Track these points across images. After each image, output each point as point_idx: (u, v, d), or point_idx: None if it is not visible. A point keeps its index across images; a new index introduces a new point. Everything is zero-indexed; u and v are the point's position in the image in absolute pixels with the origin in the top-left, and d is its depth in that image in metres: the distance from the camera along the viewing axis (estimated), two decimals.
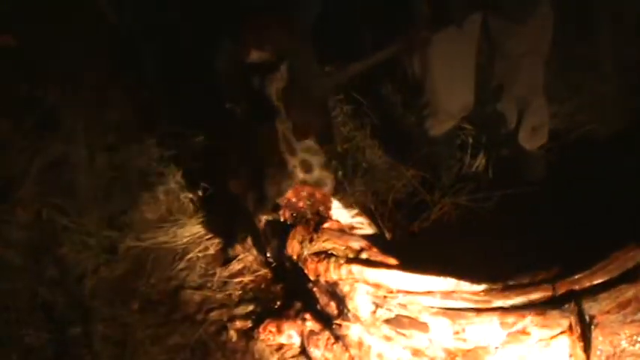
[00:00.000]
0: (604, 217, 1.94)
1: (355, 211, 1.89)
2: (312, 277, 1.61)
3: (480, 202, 2.18)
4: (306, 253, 1.63)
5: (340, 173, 2.34)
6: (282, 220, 1.76)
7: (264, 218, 1.81)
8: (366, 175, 2.41)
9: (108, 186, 2.19)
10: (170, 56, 2.34)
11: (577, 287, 1.40)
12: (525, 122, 2.23)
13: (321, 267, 1.58)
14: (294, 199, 1.77)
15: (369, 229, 1.86)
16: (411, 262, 1.62)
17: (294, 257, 1.66)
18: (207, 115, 2.29)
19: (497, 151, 2.39)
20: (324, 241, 1.65)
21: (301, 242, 1.66)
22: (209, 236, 2.16)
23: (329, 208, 1.79)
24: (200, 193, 2.23)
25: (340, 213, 1.81)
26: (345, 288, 1.54)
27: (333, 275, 1.56)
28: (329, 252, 1.62)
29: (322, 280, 1.59)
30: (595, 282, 1.41)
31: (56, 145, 2.15)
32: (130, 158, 2.27)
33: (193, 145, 2.29)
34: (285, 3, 1.92)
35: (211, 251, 2.11)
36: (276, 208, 1.77)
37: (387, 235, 2.05)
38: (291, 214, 1.76)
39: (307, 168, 1.81)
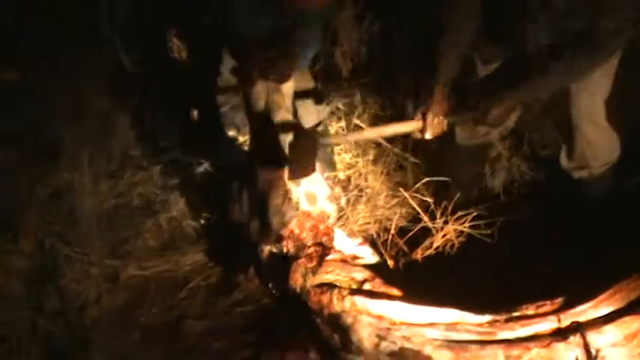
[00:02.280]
0: (609, 244, 1.94)
1: (358, 240, 1.89)
2: (315, 309, 1.60)
3: (483, 229, 2.17)
4: (309, 285, 1.63)
5: (343, 200, 2.35)
6: (284, 251, 1.76)
7: (266, 249, 1.80)
8: (369, 202, 2.41)
9: (111, 214, 2.19)
10: (173, 87, 2.36)
11: (582, 319, 1.40)
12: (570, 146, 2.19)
13: (325, 299, 1.58)
14: (297, 231, 1.77)
15: (372, 259, 1.86)
16: (414, 293, 1.61)
17: (297, 289, 1.66)
18: (210, 144, 2.30)
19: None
20: (327, 273, 1.64)
21: (304, 274, 1.65)
22: (211, 264, 2.15)
23: (332, 239, 1.79)
24: (202, 221, 2.23)
25: (343, 243, 1.81)
26: (348, 320, 1.53)
27: (336, 307, 1.55)
28: (332, 283, 1.62)
29: (325, 311, 1.58)
30: (600, 314, 1.40)
31: (59, 174, 2.15)
32: (134, 186, 2.27)
33: (196, 173, 2.30)
34: (286, 39, 1.94)
35: (213, 280, 2.10)
36: (279, 239, 1.77)
37: (391, 264, 2.04)
38: (294, 245, 1.76)
39: (312, 200, 1.82)
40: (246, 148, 2.31)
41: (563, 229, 2.11)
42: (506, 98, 1.90)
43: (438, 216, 2.24)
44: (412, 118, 1.96)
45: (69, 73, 2.29)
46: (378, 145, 2.58)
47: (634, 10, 1.68)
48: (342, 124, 2.64)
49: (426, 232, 2.23)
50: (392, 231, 2.24)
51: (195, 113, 2.53)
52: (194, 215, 2.27)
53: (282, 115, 1.90)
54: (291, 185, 1.80)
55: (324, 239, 1.80)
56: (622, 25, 1.70)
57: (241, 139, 2.50)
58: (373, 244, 2.02)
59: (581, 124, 2.13)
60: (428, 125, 1.92)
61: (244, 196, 1.94)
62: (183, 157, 2.24)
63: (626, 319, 1.35)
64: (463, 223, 2.20)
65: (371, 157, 2.55)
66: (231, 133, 2.52)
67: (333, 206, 1.87)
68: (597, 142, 2.16)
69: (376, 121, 2.62)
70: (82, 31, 2.26)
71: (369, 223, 2.30)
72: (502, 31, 1.92)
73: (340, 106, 2.68)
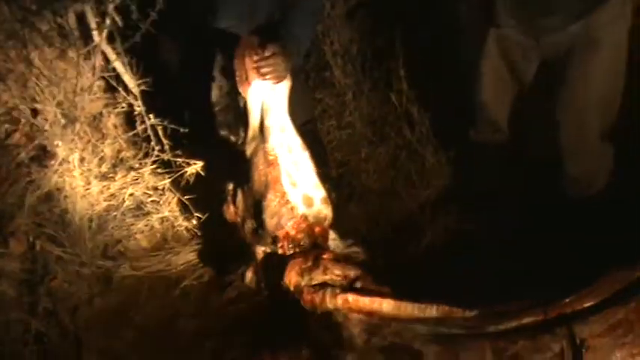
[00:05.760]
0: (594, 238, 1.95)
1: (351, 240, 1.90)
2: (308, 308, 1.62)
3: (473, 223, 2.18)
4: (303, 284, 1.64)
5: (335, 198, 2.36)
6: (279, 252, 1.77)
7: (261, 250, 1.81)
8: (361, 200, 2.42)
9: (102, 215, 2.19)
10: (165, 87, 2.36)
11: (568, 310, 1.41)
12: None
13: (317, 297, 1.60)
14: (293, 233, 1.78)
15: (364, 256, 1.87)
16: (404, 289, 1.63)
17: (291, 288, 1.67)
18: (203, 144, 2.30)
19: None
20: (320, 273, 1.65)
21: (299, 274, 1.67)
22: (204, 263, 2.16)
23: (326, 239, 1.80)
24: (195, 221, 2.24)
25: (336, 243, 1.83)
26: (339, 317, 1.54)
27: (328, 305, 1.57)
28: (325, 282, 1.63)
29: (318, 310, 1.59)
30: (585, 305, 1.42)
31: (50, 176, 2.15)
32: (125, 187, 2.28)
33: (189, 173, 2.30)
34: (277, 37, 1.94)
35: (206, 279, 2.11)
36: (275, 240, 1.78)
37: (382, 262, 2.05)
38: (290, 246, 1.77)
39: (308, 203, 1.83)
40: (239, 147, 2.31)
41: (550, 222, 2.12)
42: None
43: (428, 213, 2.26)
44: None
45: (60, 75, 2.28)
46: (370, 143, 2.60)
47: None
48: (333, 122, 2.65)
49: (418, 229, 2.25)
50: (384, 228, 2.26)
51: (187, 113, 2.54)
52: (187, 216, 2.28)
53: (278, 115, 1.91)
54: (288, 188, 1.81)
55: (318, 240, 1.82)
56: None
57: (233, 138, 2.51)
58: (365, 242, 2.03)
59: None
60: None
61: (239, 197, 1.94)
62: (175, 157, 2.24)
63: (611, 309, 1.36)
64: (453, 219, 2.23)
65: (363, 155, 2.57)
66: (224, 132, 2.52)
67: (329, 208, 1.87)
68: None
69: (369, 119, 2.63)
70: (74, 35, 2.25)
71: (361, 221, 2.31)
72: None
73: (331, 103, 2.69)
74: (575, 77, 1.96)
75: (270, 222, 1.82)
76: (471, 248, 2.10)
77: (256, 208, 1.87)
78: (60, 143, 2.12)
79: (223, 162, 2.23)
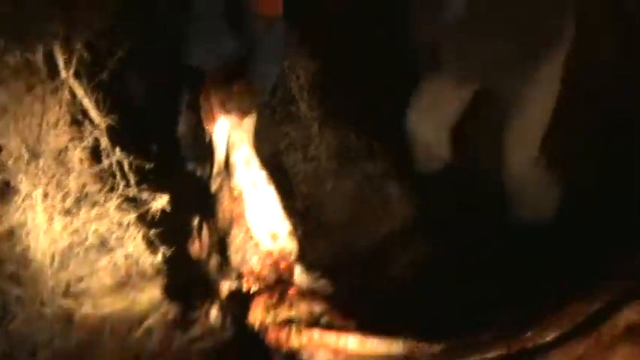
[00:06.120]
0: (555, 261, 1.99)
1: (317, 273, 1.90)
2: (273, 346, 1.61)
3: (437, 252, 2.21)
4: (268, 321, 1.63)
5: (301, 232, 2.36)
6: (244, 288, 1.76)
7: (226, 286, 1.80)
8: (327, 233, 2.43)
9: (65, 252, 2.15)
10: (132, 121, 2.36)
11: (530, 345, 1.43)
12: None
13: (283, 335, 1.59)
14: (258, 268, 1.78)
15: (331, 290, 1.87)
16: (371, 323, 1.63)
17: (257, 325, 1.66)
18: (170, 178, 2.30)
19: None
20: (286, 309, 1.65)
21: (264, 311, 1.66)
22: (168, 300, 2.13)
23: (292, 274, 1.80)
24: (160, 257, 2.21)
25: (302, 277, 1.83)
26: (305, 355, 1.54)
27: (294, 343, 1.56)
28: (291, 319, 1.62)
29: (284, 347, 1.59)
30: (547, 338, 1.44)
31: (13, 213, 2.11)
32: (89, 223, 2.24)
33: (154, 208, 2.28)
34: (243, 73, 1.97)
35: (171, 316, 2.07)
36: (240, 276, 1.77)
37: (349, 295, 2.05)
38: (255, 282, 1.76)
39: (273, 237, 1.83)
40: (205, 182, 2.31)
41: (515, 249, 2.16)
42: None
43: (393, 244, 2.28)
44: None
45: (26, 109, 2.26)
46: (336, 175, 2.62)
47: None
48: (299, 155, 2.67)
49: (384, 261, 2.26)
50: (350, 261, 2.27)
51: (154, 146, 2.53)
52: (151, 251, 2.25)
53: (243, 151, 1.93)
54: (252, 223, 1.81)
55: (284, 275, 1.82)
56: None
57: (199, 172, 2.51)
58: (331, 275, 2.03)
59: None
60: None
61: (204, 232, 1.94)
62: (140, 191, 2.22)
63: (572, 343, 1.39)
64: (418, 249, 2.26)
65: (328, 188, 2.58)
66: (190, 166, 2.52)
67: (294, 243, 1.88)
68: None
69: (334, 152, 2.66)
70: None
71: (328, 254, 2.32)
72: None
73: (297, 137, 2.72)
74: (515, 106, 2.06)
75: (234, 258, 1.82)
76: (436, 278, 2.12)
77: (221, 243, 1.87)
78: (24, 178, 2.08)
79: (189, 196, 2.22)
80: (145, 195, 2.22)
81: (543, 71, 1.97)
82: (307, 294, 1.76)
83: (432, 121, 2.24)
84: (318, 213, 2.50)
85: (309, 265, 2.09)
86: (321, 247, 2.35)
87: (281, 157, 2.49)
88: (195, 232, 1.97)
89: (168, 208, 2.17)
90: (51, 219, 2.19)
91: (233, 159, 1.88)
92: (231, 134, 1.93)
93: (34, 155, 2.19)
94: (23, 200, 2.12)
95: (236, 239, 1.80)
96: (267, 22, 2.04)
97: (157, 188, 2.23)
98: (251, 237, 1.80)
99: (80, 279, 2.14)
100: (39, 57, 2.26)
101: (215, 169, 1.93)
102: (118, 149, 2.27)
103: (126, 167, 2.26)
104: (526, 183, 2.18)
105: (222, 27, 2.11)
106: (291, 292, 1.73)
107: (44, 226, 2.15)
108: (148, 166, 2.23)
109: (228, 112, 1.92)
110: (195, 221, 1.98)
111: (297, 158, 2.65)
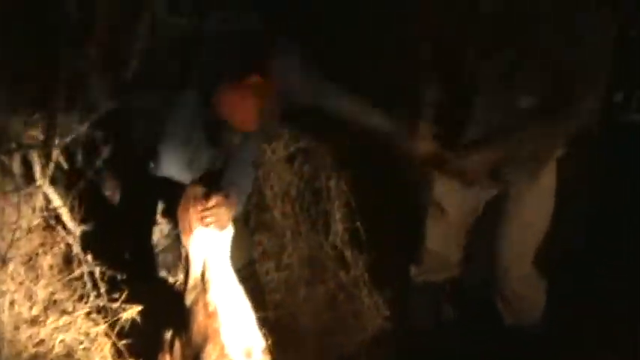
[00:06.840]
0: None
1: None
2: None
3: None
4: None
5: (270, 343, 2.34)
6: None
7: None
8: (300, 343, 2.42)
9: None
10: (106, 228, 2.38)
11: None
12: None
13: None
14: None
15: None
16: None
17: None
18: (141, 287, 2.29)
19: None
20: None
21: None
22: None
23: None
24: None
25: None
26: None
27: None
28: None
29: None
30: None
31: None
32: (56, 332, 2.19)
33: (124, 318, 2.25)
34: (219, 186, 2.03)
35: None
36: None
37: None
38: None
39: (248, 354, 1.82)
40: (178, 291, 2.30)
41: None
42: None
43: (365, 354, 2.28)
44: None
45: None
46: (308, 284, 2.64)
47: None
48: (272, 263, 2.70)
49: None
50: None
51: (126, 254, 2.54)
52: None
53: (220, 265, 1.95)
54: (227, 340, 1.80)
55: None
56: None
57: (172, 280, 2.51)
58: None
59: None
60: None
61: (176, 347, 1.92)
62: (111, 301, 2.20)
63: None
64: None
65: (301, 297, 2.60)
66: (163, 274, 2.52)
67: (268, 358, 1.87)
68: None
69: (306, 261, 2.70)
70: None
71: None
72: None
73: (270, 245, 2.75)
74: (509, 211, 2.15)
75: None
76: None
77: (195, 358, 1.84)
78: None
79: (161, 307, 2.21)
80: (115, 305, 2.21)
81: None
82: None
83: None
84: (291, 322, 2.50)
85: None
86: (293, 358, 2.33)
87: (254, 266, 2.51)
88: (166, 346, 1.94)
89: (138, 319, 2.15)
90: (16, 328, 2.14)
91: (209, 275, 1.90)
92: (207, 248, 1.96)
93: (3, 261, 2.18)
94: None
95: (210, 357, 1.78)
96: (243, 131, 2.13)
97: (128, 297, 2.22)
98: (226, 355, 1.79)
99: None
100: (15, 164, 2.31)
101: (191, 283, 1.93)
102: (89, 257, 2.28)
103: (97, 276, 2.25)
104: (519, 291, 2.24)
105: (199, 138, 2.19)
106: None
107: (9, 336, 2.10)
108: (120, 275, 2.23)
109: (206, 225, 1.95)
110: (168, 334, 1.96)
111: (270, 266, 2.68)
